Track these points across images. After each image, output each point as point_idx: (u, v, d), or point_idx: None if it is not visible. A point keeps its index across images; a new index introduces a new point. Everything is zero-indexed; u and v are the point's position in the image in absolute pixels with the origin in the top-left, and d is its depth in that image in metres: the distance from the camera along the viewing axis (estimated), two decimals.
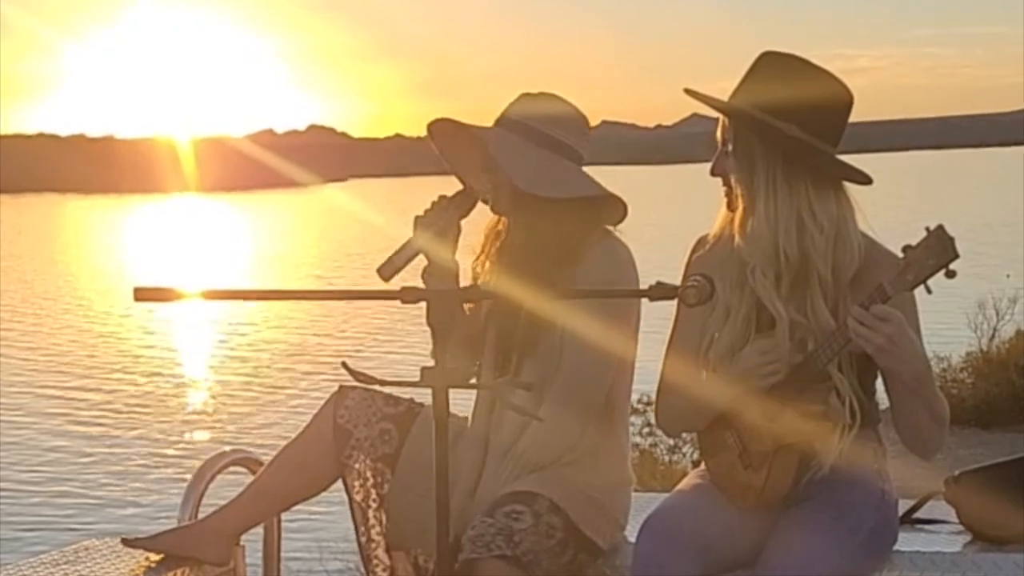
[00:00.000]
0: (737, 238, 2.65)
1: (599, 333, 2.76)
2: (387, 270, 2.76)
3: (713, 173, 2.70)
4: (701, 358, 2.71)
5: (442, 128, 2.98)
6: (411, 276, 2.73)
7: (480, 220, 3.01)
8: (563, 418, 2.82)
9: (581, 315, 2.76)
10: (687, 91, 2.73)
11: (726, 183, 2.68)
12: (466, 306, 3.04)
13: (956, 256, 2.35)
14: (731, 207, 2.69)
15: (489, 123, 2.96)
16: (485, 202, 2.93)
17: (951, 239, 2.35)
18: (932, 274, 2.37)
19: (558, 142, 2.88)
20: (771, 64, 2.66)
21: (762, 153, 2.59)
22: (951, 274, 2.36)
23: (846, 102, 2.65)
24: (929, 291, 2.39)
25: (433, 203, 2.86)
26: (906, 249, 2.39)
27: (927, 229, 2.37)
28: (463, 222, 2.90)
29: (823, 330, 2.56)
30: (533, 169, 2.84)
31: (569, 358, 2.82)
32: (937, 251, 2.35)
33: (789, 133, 2.58)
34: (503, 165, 2.84)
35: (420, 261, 2.86)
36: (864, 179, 2.65)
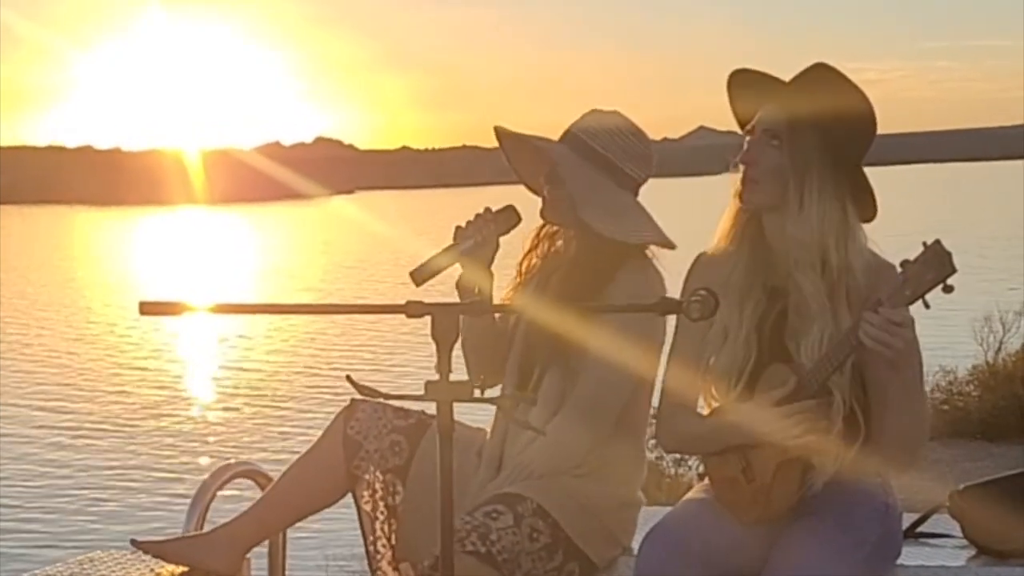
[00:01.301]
0: (770, 231, 2.64)
1: (622, 351, 2.77)
2: (420, 275, 2.76)
3: (745, 160, 2.64)
4: (701, 376, 2.72)
5: (506, 134, 3.00)
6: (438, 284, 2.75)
7: (516, 242, 3.03)
8: (573, 432, 2.82)
9: (607, 332, 2.76)
10: (740, 71, 2.68)
11: (752, 173, 2.63)
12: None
13: (953, 271, 2.35)
14: (747, 200, 2.65)
15: (491, 135, 3.00)
16: (538, 194, 2.97)
17: (948, 254, 2.36)
18: (930, 289, 2.37)
19: (623, 173, 2.91)
20: (825, 74, 2.63)
21: (820, 154, 2.59)
22: (949, 289, 2.36)
23: (875, 128, 2.66)
24: (927, 306, 2.39)
25: (477, 215, 2.87)
26: (904, 264, 2.39)
27: (924, 244, 2.38)
28: (501, 239, 2.92)
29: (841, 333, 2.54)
30: (593, 197, 2.87)
31: (590, 373, 2.83)
32: (935, 266, 2.35)
33: (845, 142, 2.59)
34: (573, 191, 2.85)
35: (455, 270, 2.88)
36: (872, 214, 2.66)
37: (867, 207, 2.65)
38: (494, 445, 2.94)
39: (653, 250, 2.95)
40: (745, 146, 2.66)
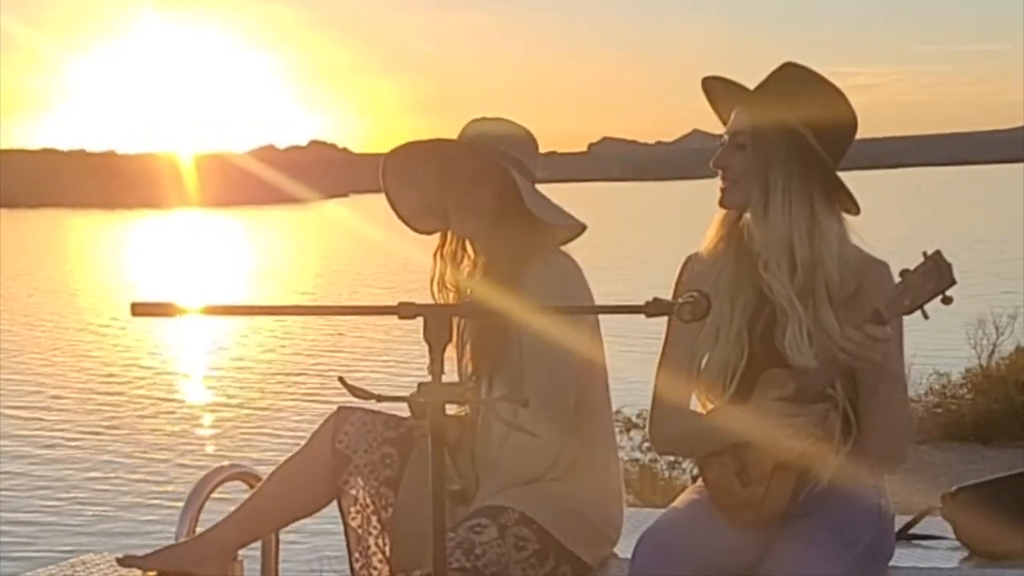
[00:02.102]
0: (747, 233, 2.66)
1: (554, 337, 2.76)
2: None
3: (716, 164, 2.68)
4: (692, 378, 2.72)
5: (402, 159, 2.96)
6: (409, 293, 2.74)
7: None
8: (539, 428, 2.81)
9: (533, 326, 2.77)
10: (709, 79, 2.72)
11: (726, 177, 2.67)
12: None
13: (953, 282, 2.35)
14: (724, 203, 2.69)
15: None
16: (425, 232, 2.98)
17: (949, 265, 2.36)
18: (929, 299, 2.38)
19: (519, 162, 2.90)
20: (793, 74, 2.67)
21: (783, 155, 2.60)
22: (948, 300, 2.37)
23: (854, 125, 2.68)
24: (926, 316, 2.39)
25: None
26: (904, 274, 2.39)
27: (925, 254, 2.38)
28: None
29: (829, 335, 2.56)
30: (535, 196, 2.87)
31: (529, 365, 2.83)
32: (935, 277, 2.36)
33: (811, 142, 2.60)
34: (524, 195, 2.83)
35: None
36: (855, 209, 2.66)
37: (844, 203, 2.66)
38: (463, 451, 2.92)
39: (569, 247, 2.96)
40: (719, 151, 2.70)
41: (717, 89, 2.73)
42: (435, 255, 3.02)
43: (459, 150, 2.93)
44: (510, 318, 2.80)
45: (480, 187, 2.89)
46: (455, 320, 2.96)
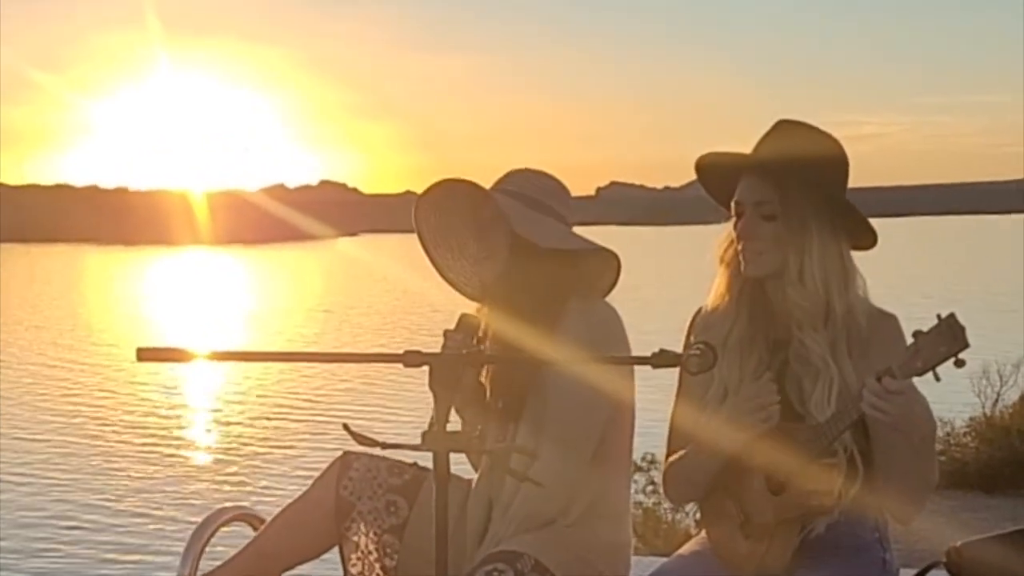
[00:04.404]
0: (769, 293, 2.65)
1: (584, 378, 2.75)
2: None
3: (743, 236, 2.64)
4: (702, 431, 2.71)
5: (429, 206, 2.98)
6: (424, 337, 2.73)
7: None
8: (559, 469, 2.80)
9: (564, 369, 2.77)
10: (704, 157, 2.73)
11: (752, 247, 2.63)
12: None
13: (966, 345, 2.35)
14: (751, 272, 2.65)
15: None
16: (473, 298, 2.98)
17: (962, 328, 2.36)
18: (942, 362, 2.37)
19: (551, 208, 2.93)
20: (791, 130, 2.68)
21: (814, 216, 2.60)
22: (960, 363, 2.36)
23: (848, 166, 2.70)
24: (938, 378, 2.39)
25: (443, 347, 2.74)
26: (917, 335, 2.39)
27: (939, 316, 2.38)
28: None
29: (850, 388, 2.55)
30: (535, 224, 2.88)
31: (555, 406, 2.81)
32: (948, 339, 2.35)
33: (833, 191, 2.61)
34: (508, 214, 2.85)
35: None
36: (872, 238, 2.68)
37: (865, 236, 2.66)
38: (481, 489, 2.92)
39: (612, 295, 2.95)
40: (737, 222, 2.66)
41: (717, 162, 2.72)
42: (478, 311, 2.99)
43: (463, 193, 2.95)
44: (537, 360, 2.78)
45: (495, 231, 2.91)
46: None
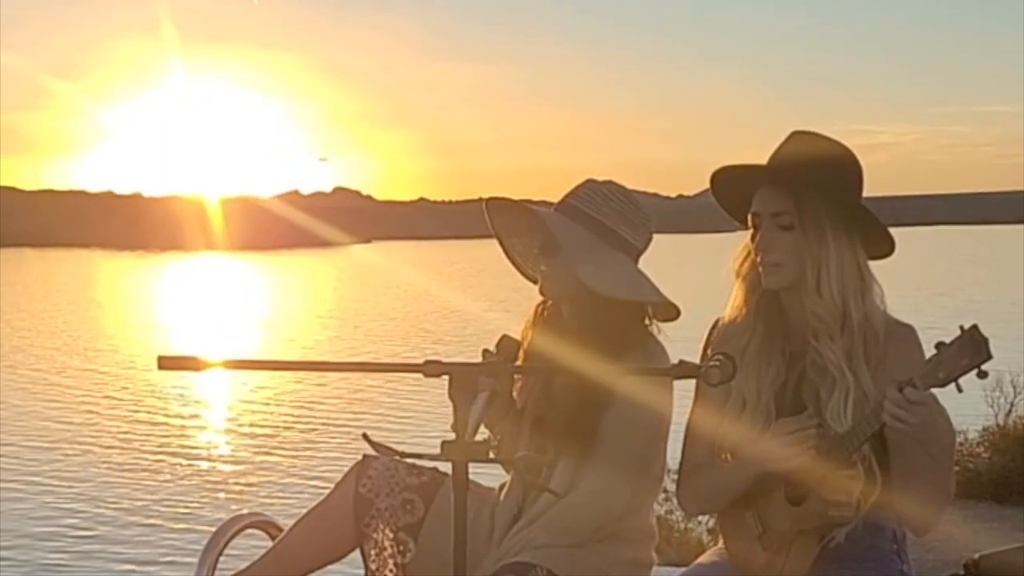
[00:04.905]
0: (785, 303, 2.66)
1: (649, 404, 2.72)
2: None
3: (761, 248, 2.65)
4: (719, 443, 2.71)
5: (499, 206, 2.96)
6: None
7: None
8: (609, 483, 2.77)
9: (628, 391, 2.72)
10: (721, 171, 2.73)
11: (770, 259, 2.64)
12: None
13: (989, 357, 2.35)
14: (771, 285, 2.65)
15: (504, 192, 2.98)
16: (535, 282, 2.93)
17: (985, 340, 2.35)
18: (964, 373, 2.37)
19: (620, 237, 2.86)
20: (804, 139, 2.69)
21: (831, 226, 2.60)
22: (983, 375, 2.36)
23: (862, 174, 2.70)
24: (960, 389, 2.39)
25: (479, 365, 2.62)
26: (939, 346, 2.38)
27: (961, 328, 2.37)
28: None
29: (867, 398, 2.55)
30: (595, 264, 2.81)
31: (615, 417, 2.77)
32: (970, 351, 2.35)
33: (850, 199, 2.61)
34: (569, 255, 2.81)
35: None
36: (890, 244, 2.68)
37: (883, 244, 2.67)
38: (511, 498, 2.92)
39: (658, 326, 2.89)
40: (754, 235, 2.67)
41: (732, 175, 2.72)
42: (536, 309, 2.97)
43: (517, 220, 2.94)
44: (602, 386, 2.74)
45: (550, 255, 2.86)
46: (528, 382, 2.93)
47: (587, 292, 2.81)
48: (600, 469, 2.78)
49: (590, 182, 2.93)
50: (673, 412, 2.86)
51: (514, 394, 2.93)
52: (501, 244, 3.00)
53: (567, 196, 2.91)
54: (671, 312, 2.88)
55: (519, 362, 2.89)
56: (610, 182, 2.93)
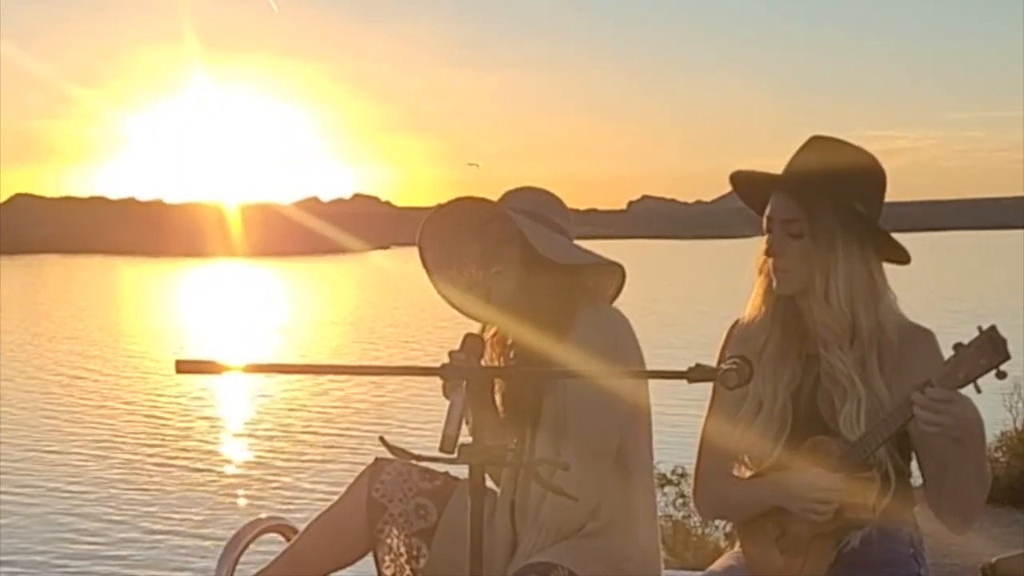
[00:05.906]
0: (799, 308, 2.65)
1: (600, 384, 2.75)
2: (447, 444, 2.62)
3: (771, 253, 2.65)
4: (736, 444, 2.71)
5: (435, 228, 3.00)
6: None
7: None
8: (579, 476, 2.78)
9: (580, 360, 2.76)
10: (737, 173, 2.74)
11: (780, 265, 2.65)
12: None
13: (1007, 357, 2.34)
14: (781, 290, 2.66)
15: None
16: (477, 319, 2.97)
17: (1004, 340, 2.35)
18: (983, 374, 2.36)
19: (557, 224, 2.95)
20: (823, 146, 2.68)
21: (841, 235, 2.60)
22: (1002, 375, 2.35)
23: (884, 180, 2.69)
24: (979, 390, 2.38)
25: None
26: (957, 347, 2.38)
27: (980, 329, 2.37)
28: None
29: (881, 405, 2.54)
30: (550, 240, 2.89)
31: (573, 413, 2.81)
32: (989, 352, 2.35)
33: (862, 210, 2.60)
34: (531, 236, 2.85)
35: None
36: (906, 256, 2.66)
37: (897, 254, 2.65)
38: (505, 495, 2.92)
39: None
40: (767, 238, 2.67)
41: (748, 179, 2.72)
42: (482, 333, 2.99)
43: (471, 211, 2.96)
44: (555, 370, 2.79)
45: (508, 245, 2.92)
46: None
47: (536, 268, 2.87)
48: (573, 458, 2.77)
49: (513, 190, 3.03)
50: (649, 400, 2.89)
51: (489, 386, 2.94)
52: (439, 289, 3.02)
53: (499, 201, 2.97)
54: (616, 274, 2.96)
55: (485, 356, 2.91)
56: (528, 187, 3.05)
